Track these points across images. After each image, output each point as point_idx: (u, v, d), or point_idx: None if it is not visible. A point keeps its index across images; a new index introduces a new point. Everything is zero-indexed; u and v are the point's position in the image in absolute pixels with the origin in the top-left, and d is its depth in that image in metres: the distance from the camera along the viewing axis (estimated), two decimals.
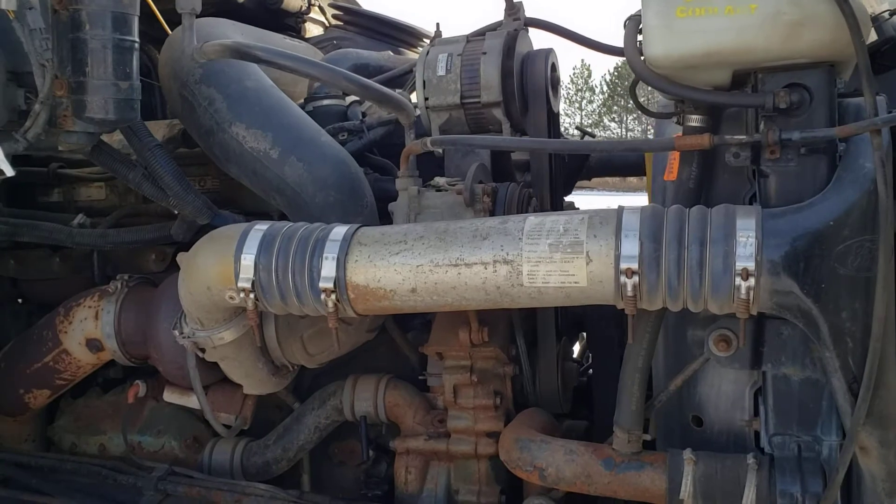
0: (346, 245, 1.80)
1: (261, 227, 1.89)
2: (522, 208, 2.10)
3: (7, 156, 1.92)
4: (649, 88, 1.86)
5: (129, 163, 2.31)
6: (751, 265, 1.53)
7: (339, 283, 1.78)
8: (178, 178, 2.27)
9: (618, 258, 1.61)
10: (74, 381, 2.62)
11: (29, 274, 2.93)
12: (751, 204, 1.79)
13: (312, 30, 3.91)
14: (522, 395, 2.38)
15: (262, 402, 2.55)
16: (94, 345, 2.44)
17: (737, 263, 1.54)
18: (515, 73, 2.24)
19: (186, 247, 2.72)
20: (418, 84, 2.31)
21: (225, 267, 1.86)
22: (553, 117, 2.33)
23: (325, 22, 4.01)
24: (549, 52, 2.31)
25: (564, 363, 2.38)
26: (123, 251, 2.79)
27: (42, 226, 2.60)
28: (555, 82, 2.33)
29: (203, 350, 2.17)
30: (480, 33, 2.42)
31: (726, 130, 1.83)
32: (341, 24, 3.78)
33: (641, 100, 2.10)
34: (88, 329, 2.44)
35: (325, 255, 1.79)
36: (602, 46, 2.43)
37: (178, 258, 2.00)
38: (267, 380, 2.29)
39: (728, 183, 1.87)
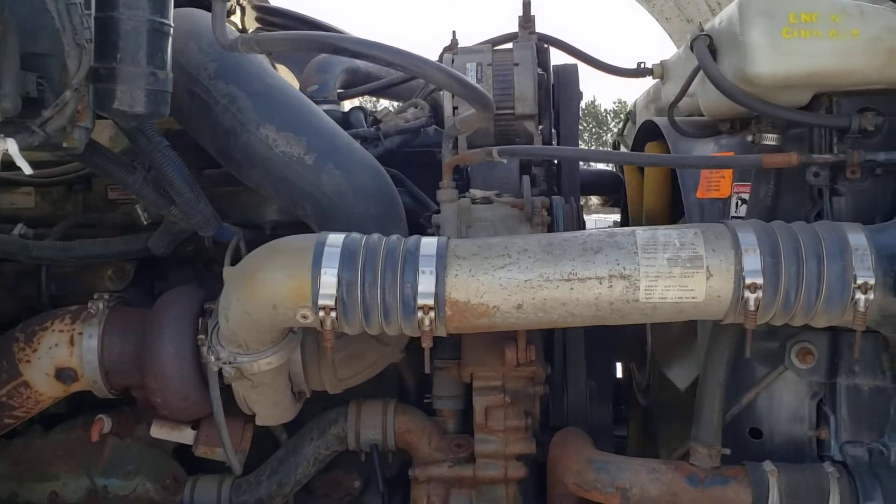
0: (442, 258, 1.67)
1: (336, 239, 1.71)
2: (578, 223, 2.06)
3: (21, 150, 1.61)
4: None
5: (128, 165, 2.02)
6: (871, 279, 1.59)
7: (438, 298, 1.65)
8: (191, 184, 2.01)
9: (739, 273, 1.61)
10: (23, 420, 2.23)
11: None
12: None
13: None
14: (545, 415, 2.33)
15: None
16: (67, 375, 2.09)
17: (857, 278, 1.59)
18: (549, 86, 2.20)
19: (149, 262, 2.45)
20: (447, 92, 2.21)
21: (299, 283, 1.67)
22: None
23: (239, 24, 3.76)
24: (576, 67, 2.30)
25: (588, 380, 2.36)
26: (70, 267, 2.44)
27: None
28: (580, 97, 2.32)
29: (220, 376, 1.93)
30: (496, 43, 2.37)
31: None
32: (262, 25, 3.56)
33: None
34: (60, 357, 2.09)
35: (420, 269, 1.65)
36: (614, 69, 2.45)
37: (225, 274, 1.77)
38: (291, 408, 2.08)
39: (789, 201, 1.93)
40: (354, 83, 2.72)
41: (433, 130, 2.63)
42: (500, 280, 1.65)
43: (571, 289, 1.64)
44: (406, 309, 1.66)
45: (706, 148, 2.15)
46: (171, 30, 1.78)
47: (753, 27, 1.72)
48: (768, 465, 1.82)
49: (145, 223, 2.35)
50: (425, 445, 2.29)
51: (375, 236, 1.74)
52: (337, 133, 2.08)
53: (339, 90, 2.61)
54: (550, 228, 2.02)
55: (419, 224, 2.28)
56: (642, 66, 2.51)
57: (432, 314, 1.65)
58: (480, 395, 2.19)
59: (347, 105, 2.80)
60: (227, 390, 2.05)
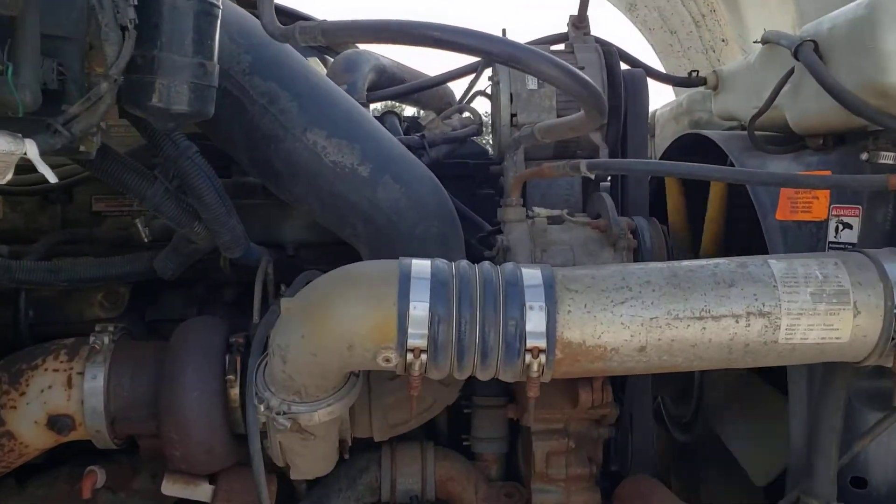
0: (551, 290, 1.41)
1: (423, 266, 1.44)
2: (667, 248, 1.83)
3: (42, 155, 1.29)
4: None
5: (147, 175, 1.69)
6: None
7: (550, 339, 1.39)
8: (223, 198, 1.70)
9: (891, 309, 1.42)
10: (1, 475, 1.87)
11: None
12: None
13: None
14: (606, 461, 2.09)
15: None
16: (62, 423, 1.74)
17: None
18: (620, 93, 1.98)
19: (139, 285, 2.11)
20: (504, 98, 1.96)
21: (383, 319, 1.38)
22: None
23: None
24: (644, 73, 2.08)
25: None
26: (50, 292, 2.08)
27: None
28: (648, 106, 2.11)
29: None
30: (542, 44, 2.14)
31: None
32: None
33: None
34: (55, 402, 1.74)
35: (528, 304, 1.40)
36: (665, 77, 2.25)
37: (283, 306, 1.46)
38: (334, 460, 1.78)
39: None
40: (381, 85, 2.44)
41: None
42: (622, 318, 1.41)
43: (704, 328, 1.41)
44: (509, 351, 1.40)
45: (782, 165, 1.97)
46: (220, 13, 1.48)
47: (891, 32, 1.53)
48: None
49: (146, 240, 2.02)
50: (471, 495, 2.04)
51: (464, 263, 1.48)
52: (392, 141, 1.80)
53: (367, 91, 2.33)
54: (636, 254, 1.79)
55: (470, 245, 2.03)
56: (695, 74, 2.32)
57: (542, 358, 1.39)
58: (541, 439, 1.94)
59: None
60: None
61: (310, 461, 1.72)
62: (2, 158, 1.24)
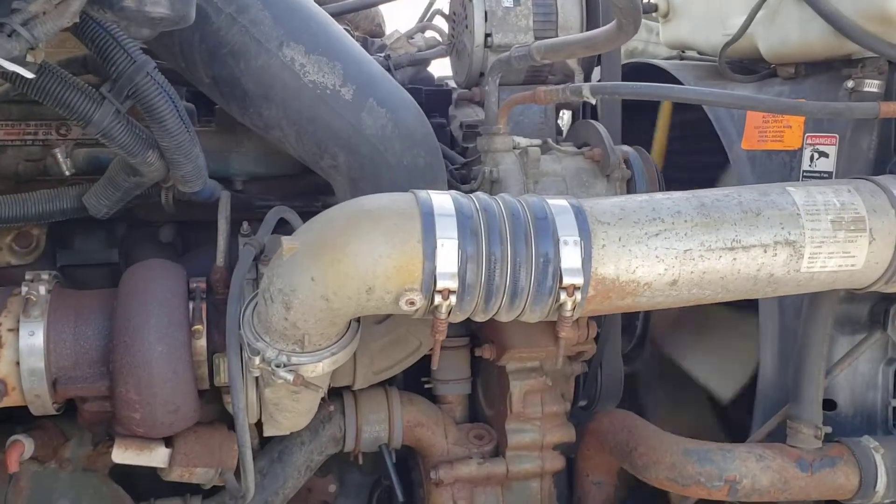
0: (585, 224, 1.32)
1: (444, 200, 1.30)
2: (658, 177, 1.77)
3: None
4: None
5: (93, 94, 1.43)
6: None
7: (586, 275, 1.30)
8: (186, 122, 1.47)
9: None
10: None
11: None
12: None
13: None
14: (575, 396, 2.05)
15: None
16: None
17: None
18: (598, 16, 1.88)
19: (56, 225, 1.82)
20: (478, 16, 1.82)
21: (409, 258, 1.24)
22: None
23: None
24: None
25: None
26: None
27: None
28: None
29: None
30: None
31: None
32: None
33: None
34: None
35: (561, 238, 1.29)
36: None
37: (285, 246, 1.28)
38: (314, 412, 1.63)
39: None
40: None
41: None
42: (656, 251, 1.34)
43: (734, 259, 1.37)
44: (541, 290, 1.30)
45: (752, 93, 1.95)
46: None
47: None
48: (869, 441, 1.69)
49: (67, 173, 1.74)
50: (441, 440, 1.95)
51: (484, 196, 1.35)
52: (371, 62, 1.61)
53: None
54: (629, 185, 1.72)
55: None
56: (647, 1, 2.25)
57: (577, 295, 1.30)
58: (519, 378, 1.87)
59: None
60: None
61: (295, 416, 1.56)
62: None
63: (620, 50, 1.95)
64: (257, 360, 1.34)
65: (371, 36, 2.40)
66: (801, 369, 1.68)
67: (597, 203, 1.38)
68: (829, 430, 1.70)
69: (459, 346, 2.00)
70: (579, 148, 1.76)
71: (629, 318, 2.43)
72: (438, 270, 1.24)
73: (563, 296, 1.29)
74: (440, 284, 1.24)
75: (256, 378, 1.43)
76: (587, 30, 1.85)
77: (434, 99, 2.13)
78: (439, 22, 2.04)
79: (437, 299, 1.25)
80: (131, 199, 1.71)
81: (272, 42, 1.49)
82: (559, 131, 2.12)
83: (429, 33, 2.07)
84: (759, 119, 1.91)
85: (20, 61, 1.18)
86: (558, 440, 1.91)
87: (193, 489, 1.82)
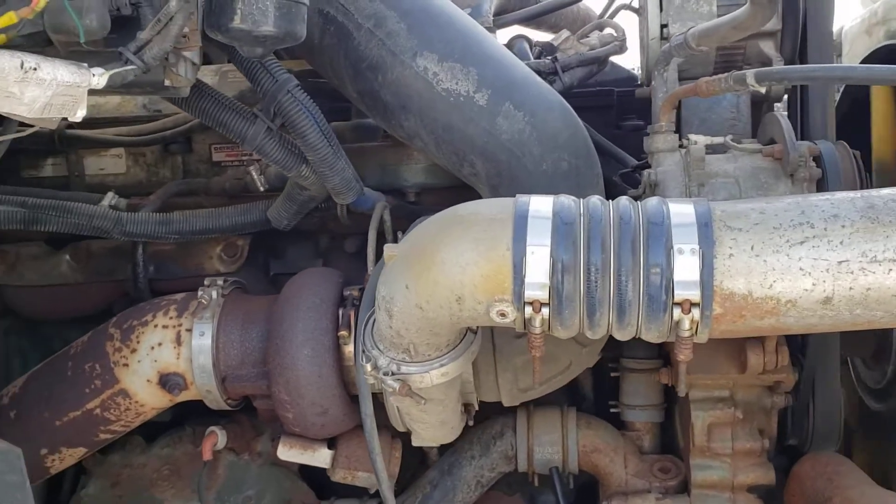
0: (708, 230, 1.14)
1: (543, 203, 1.20)
2: (861, 176, 1.48)
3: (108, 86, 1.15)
4: None
5: (247, 113, 1.55)
6: None
7: (705, 290, 1.12)
8: (329, 137, 1.53)
9: None
10: (122, 434, 1.82)
11: (23, 279, 2.07)
12: None
13: None
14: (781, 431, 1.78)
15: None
16: (173, 382, 1.65)
17: None
18: None
19: (262, 237, 2.00)
20: (652, 5, 1.66)
21: (496, 267, 1.16)
22: None
23: None
24: None
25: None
26: (171, 245, 2.00)
27: (74, 209, 1.78)
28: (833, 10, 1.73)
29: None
30: None
31: None
32: None
33: None
34: (165, 360, 1.65)
35: (676, 247, 1.13)
36: None
37: (386, 253, 1.27)
38: (459, 426, 1.60)
39: None
40: (511, 8, 2.19)
41: (609, 65, 2.08)
42: (801, 262, 1.11)
43: None
44: (653, 305, 1.14)
45: None
46: None
47: None
48: None
49: (262, 189, 1.90)
50: (620, 469, 1.80)
51: (596, 199, 1.23)
52: (515, 65, 1.56)
53: (494, 16, 2.08)
54: (820, 186, 1.46)
55: (612, 183, 1.76)
56: None
57: (696, 313, 1.12)
58: (701, 408, 1.68)
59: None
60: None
61: (429, 427, 1.54)
62: (67, 91, 1.12)
63: (830, 28, 1.66)
64: (369, 367, 1.34)
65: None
66: None
67: (733, 205, 1.18)
68: None
69: (648, 368, 1.84)
70: (767, 145, 1.53)
71: (880, 346, 2.05)
72: (527, 280, 1.15)
73: (677, 312, 1.12)
74: (529, 295, 1.15)
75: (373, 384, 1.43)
76: (782, 12, 1.61)
77: (628, 100, 1.99)
78: (628, 17, 1.90)
79: (529, 311, 1.16)
80: (318, 212, 1.83)
81: (406, 53, 1.49)
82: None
83: (608, 30, 1.94)
84: None
85: (158, 86, 1.31)
86: (752, 481, 1.68)
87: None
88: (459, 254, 1.18)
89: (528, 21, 2.27)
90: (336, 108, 1.92)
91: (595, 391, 2.03)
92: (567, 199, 1.22)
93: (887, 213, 1.11)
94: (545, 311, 1.16)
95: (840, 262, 1.10)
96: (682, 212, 1.16)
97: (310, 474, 1.93)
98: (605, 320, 1.17)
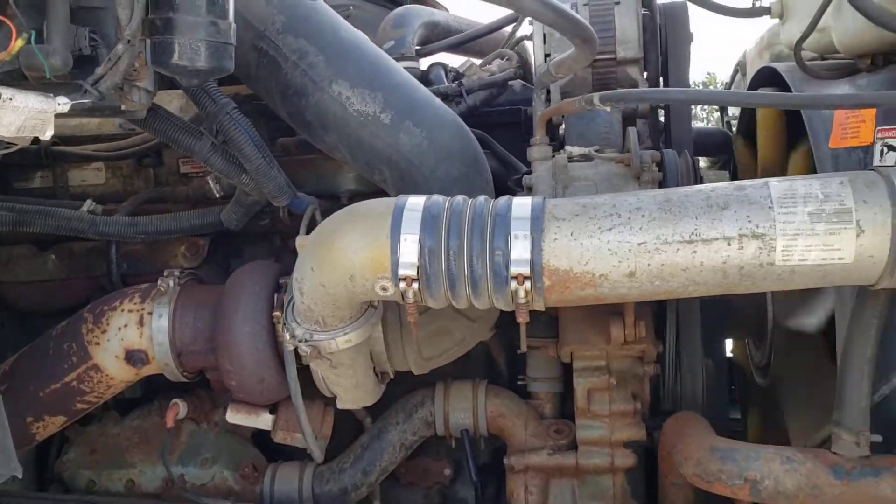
0: (539, 220, 1.45)
1: (417, 202, 1.51)
2: (695, 179, 1.80)
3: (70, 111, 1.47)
4: None
5: (194, 131, 1.87)
6: None
7: (535, 266, 1.43)
8: (261, 149, 1.85)
9: None
10: (97, 405, 2.13)
11: (16, 275, 2.40)
12: None
13: None
14: (655, 398, 2.09)
15: None
16: (137, 357, 1.97)
17: None
18: (655, 27, 1.94)
19: (224, 238, 2.32)
20: (537, 37, 1.98)
21: (378, 251, 1.48)
22: None
23: None
24: (685, 4, 2.02)
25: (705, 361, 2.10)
26: (141, 245, 2.32)
27: (56, 212, 2.10)
28: (691, 38, 2.05)
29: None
30: None
31: None
32: None
33: None
34: (130, 338, 1.97)
35: (512, 233, 1.44)
36: (725, 9, 2.13)
37: (298, 243, 1.59)
38: (374, 390, 1.91)
39: None
40: (434, 38, 2.51)
41: (520, 86, 2.40)
42: (609, 244, 1.42)
43: (694, 252, 1.40)
44: (497, 279, 1.45)
45: (840, 90, 1.86)
46: None
47: None
48: None
49: (217, 195, 2.22)
50: (521, 431, 2.10)
51: (460, 198, 1.54)
52: (416, 89, 1.88)
53: (418, 46, 2.40)
54: (661, 187, 1.77)
55: (507, 189, 2.07)
56: (757, 4, 2.21)
57: (528, 284, 1.43)
58: (582, 376, 1.98)
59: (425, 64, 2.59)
60: (306, 372, 1.90)
61: (347, 390, 1.84)
62: (37, 116, 1.44)
63: (687, 56, 1.98)
64: (288, 335, 1.65)
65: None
66: (844, 373, 1.60)
67: (563, 201, 1.50)
68: (877, 438, 1.58)
69: (546, 345, 2.14)
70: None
71: (761, 332, 2.36)
72: (401, 261, 1.46)
73: (514, 284, 1.43)
74: (402, 272, 1.46)
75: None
76: (644, 43, 1.92)
77: None
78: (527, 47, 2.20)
79: (402, 286, 1.47)
80: (258, 215, 2.14)
81: (324, 81, 1.81)
82: None
83: (507, 58, 2.25)
84: (843, 116, 1.83)
85: (115, 110, 1.63)
86: (628, 438, 1.97)
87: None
88: (352, 241, 1.50)
89: (453, 49, 2.59)
90: (284, 126, 2.23)
91: (508, 367, 2.33)
92: (437, 198, 1.53)
93: (679, 206, 1.42)
94: (415, 285, 1.47)
95: (640, 244, 1.41)
96: (521, 206, 1.48)
97: (261, 442, 2.25)
98: (464, 292, 1.48)
